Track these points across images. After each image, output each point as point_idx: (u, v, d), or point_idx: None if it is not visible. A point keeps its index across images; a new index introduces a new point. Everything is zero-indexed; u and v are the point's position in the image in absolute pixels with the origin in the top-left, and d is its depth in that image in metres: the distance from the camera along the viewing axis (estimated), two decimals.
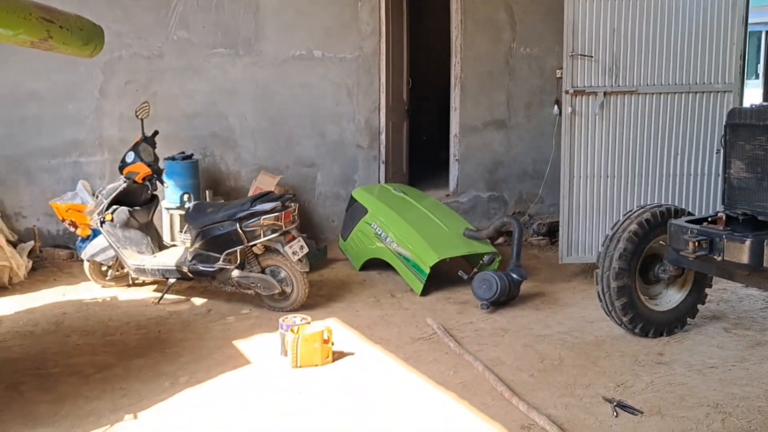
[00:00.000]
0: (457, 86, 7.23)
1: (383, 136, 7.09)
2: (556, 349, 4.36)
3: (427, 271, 5.32)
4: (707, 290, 4.62)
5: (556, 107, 7.27)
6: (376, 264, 5.94)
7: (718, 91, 5.55)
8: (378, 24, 6.92)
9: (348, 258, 6.26)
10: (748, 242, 3.50)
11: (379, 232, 5.66)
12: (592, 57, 5.60)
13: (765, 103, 3.83)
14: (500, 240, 6.81)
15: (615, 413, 3.50)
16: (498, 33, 7.18)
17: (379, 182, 7.02)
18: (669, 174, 5.65)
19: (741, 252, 3.52)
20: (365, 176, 7.06)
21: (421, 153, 8.54)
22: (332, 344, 4.14)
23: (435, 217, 5.87)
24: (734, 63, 5.51)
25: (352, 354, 4.28)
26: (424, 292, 5.44)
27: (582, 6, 5.55)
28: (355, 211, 6.02)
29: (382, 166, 7.12)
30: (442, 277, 5.57)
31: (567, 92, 5.68)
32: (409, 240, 5.49)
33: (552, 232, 7.23)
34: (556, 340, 4.53)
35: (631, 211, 4.50)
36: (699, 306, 4.60)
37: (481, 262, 5.48)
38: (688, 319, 4.58)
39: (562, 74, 6.91)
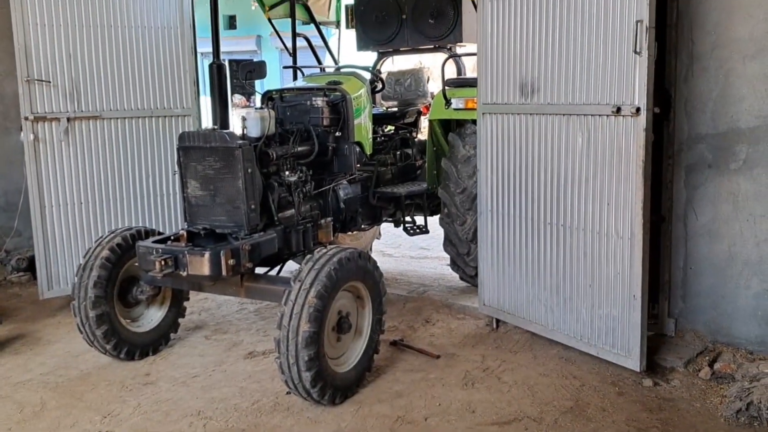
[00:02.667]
0: None
1: None
2: (37, 394, 4.11)
3: None
4: (186, 303, 4.92)
5: (23, 134, 6.80)
6: None
7: (178, 115, 5.93)
8: None
9: None
10: (206, 255, 3.84)
11: None
12: (50, 82, 5.41)
13: (210, 127, 4.25)
14: None
15: None
16: None
17: None
18: (141, 196, 5.82)
19: (202, 264, 3.85)
20: None
21: None
22: None
23: None
24: (189, 89, 5.95)
25: None
26: None
27: (33, 30, 5.33)
28: None
29: None
30: None
31: (27, 119, 5.39)
32: None
33: (33, 267, 6.76)
34: (38, 383, 4.26)
35: (101, 237, 4.50)
36: (180, 320, 4.86)
37: None
38: (172, 334, 4.80)
39: None
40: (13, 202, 6.78)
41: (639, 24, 3.59)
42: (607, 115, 3.83)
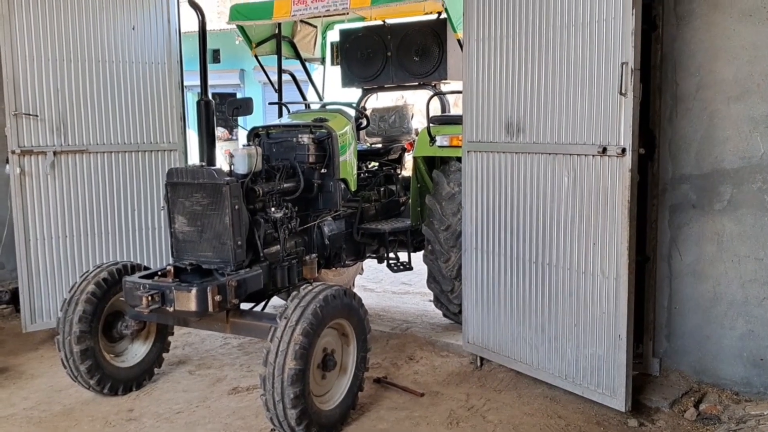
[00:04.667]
0: None
1: None
2: (21, 429, 4.05)
3: None
4: (170, 337, 4.89)
5: (8, 166, 6.78)
6: None
7: (164, 150, 5.95)
8: None
9: None
10: (193, 291, 3.83)
11: None
12: (37, 116, 5.43)
13: (198, 164, 4.27)
14: None
15: None
16: None
17: None
18: (127, 230, 5.81)
19: (189, 300, 3.83)
20: None
21: None
22: None
23: None
24: (176, 124, 5.99)
25: None
26: None
27: (22, 65, 5.35)
28: None
29: None
30: None
31: (14, 152, 5.39)
32: None
33: (16, 299, 6.69)
34: (21, 418, 4.21)
35: (87, 271, 4.48)
36: (164, 354, 4.83)
37: None
38: (155, 369, 4.77)
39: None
40: None
41: (624, 66, 3.67)
42: (593, 155, 3.89)
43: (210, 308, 3.87)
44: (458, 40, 4.86)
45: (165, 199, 4.23)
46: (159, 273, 4.12)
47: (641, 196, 4.15)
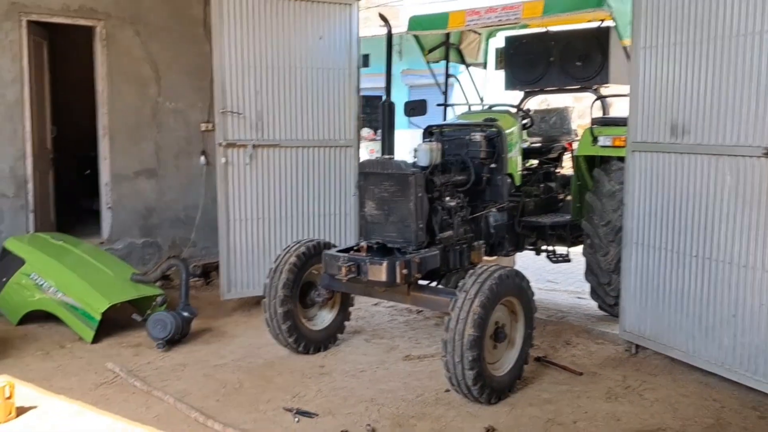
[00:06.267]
0: (106, 137, 7.29)
1: (30, 185, 6.81)
2: (234, 375, 4.84)
3: (99, 317, 5.36)
4: (351, 308, 5.57)
5: (203, 157, 7.83)
6: (35, 317, 5.73)
7: (342, 146, 6.71)
8: (20, 72, 6.70)
9: (1, 313, 5.87)
10: (385, 264, 4.46)
11: (41, 283, 5.50)
12: (241, 114, 6.28)
13: (387, 156, 4.90)
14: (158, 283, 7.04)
15: (296, 419, 4.12)
16: (144, 87, 7.47)
17: (28, 232, 6.69)
18: (310, 214, 6.60)
19: (381, 272, 4.47)
20: (12, 227, 6.67)
21: (60, 202, 8.25)
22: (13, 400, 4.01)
23: (99, 263, 5.90)
24: (352, 123, 6.74)
25: (36, 407, 4.19)
26: (95, 340, 5.45)
27: (229, 70, 6.22)
28: (8, 263, 5.72)
29: (31, 216, 6.81)
30: (109, 323, 5.60)
31: (220, 144, 6.26)
32: (75, 288, 5.45)
33: (206, 273, 7.70)
34: (233, 367, 5.01)
35: (289, 246, 5.22)
36: (346, 323, 5.52)
37: (153, 303, 5.70)
38: (338, 334, 5.46)
39: (206, 127, 7.59)
40: (191, 216, 7.80)
41: None
42: (758, 157, 4.14)
43: (397, 279, 4.48)
44: (624, 48, 5.21)
45: (357, 187, 4.89)
46: (354, 248, 4.78)
47: None
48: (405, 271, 4.51)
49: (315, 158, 6.62)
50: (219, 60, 6.22)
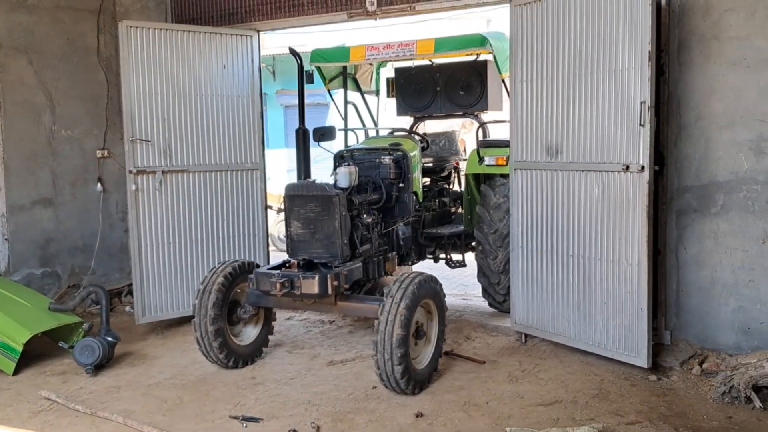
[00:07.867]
0: (1, 167, 7.21)
1: None
2: (172, 392, 5.13)
3: (20, 348, 5.43)
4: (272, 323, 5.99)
5: (99, 185, 7.91)
6: None
7: (248, 169, 7.11)
8: None
9: None
10: (317, 277, 4.97)
11: None
12: (149, 141, 6.53)
13: (310, 179, 5.42)
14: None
15: (244, 424, 4.52)
16: (39, 116, 7.46)
17: None
18: (220, 236, 6.95)
19: (313, 285, 4.97)
20: None
21: None
22: None
23: (14, 295, 5.92)
24: (257, 147, 7.17)
25: None
26: (16, 371, 5.50)
27: (137, 98, 6.46)
28: None
29: None
30: (24, 355, 5.54)
31: (131, 172, 6.48)
32: None
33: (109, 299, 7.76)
34: (167, 384, 5.28)
35: (215, 267, 5.57)
36: (270, 336, 5.93)
37: (80, 330, 5.82)
38: (264, 348, 5.87)
39: (102, 154, 7.73)
40: (90, 244, 7.85)
41: (643, 104, 4.87)
42: (618, 171, 5.07)
43: (329, 291, 4.99)
44: (503, 80, 6.05)
45: (283, 209, 5.36)
46: (284, 265, 5.24)
47: (654, 203, 5.32)
48: (335, 283, 5.03)
49: (223, 182, 6.96)
50: (127, 89, 6.44)
